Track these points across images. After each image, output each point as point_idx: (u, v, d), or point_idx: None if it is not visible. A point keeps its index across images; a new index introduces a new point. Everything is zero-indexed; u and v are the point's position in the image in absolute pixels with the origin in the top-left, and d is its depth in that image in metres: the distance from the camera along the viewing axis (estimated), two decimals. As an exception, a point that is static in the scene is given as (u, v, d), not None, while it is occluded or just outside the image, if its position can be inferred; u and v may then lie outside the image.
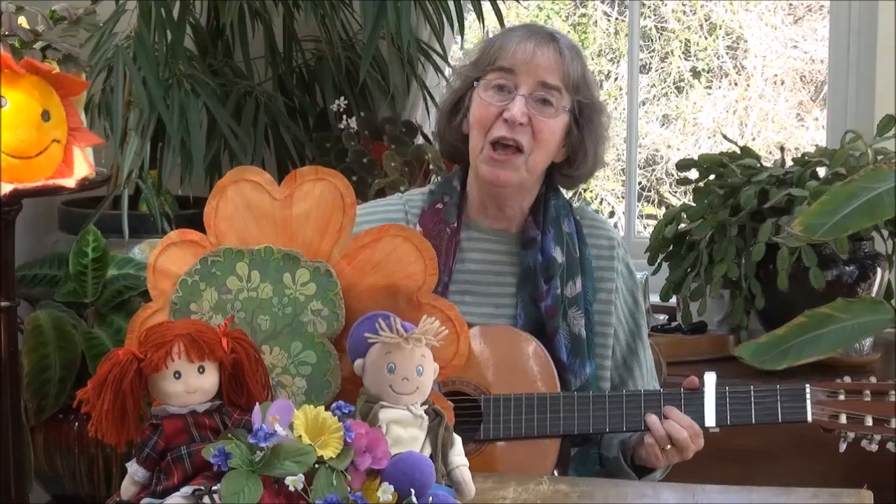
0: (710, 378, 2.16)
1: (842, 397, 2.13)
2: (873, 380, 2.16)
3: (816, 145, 3.72)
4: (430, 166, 3.25)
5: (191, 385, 1.65)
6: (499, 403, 2.14)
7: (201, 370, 1.66)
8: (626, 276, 2.31)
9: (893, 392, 2.12)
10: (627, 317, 2.30)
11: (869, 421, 2.11)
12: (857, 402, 2.12)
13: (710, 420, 2.14)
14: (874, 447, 2.12)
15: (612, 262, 2.29)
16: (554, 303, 2.22)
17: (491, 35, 2.44)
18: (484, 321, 2.21)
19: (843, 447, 2.13)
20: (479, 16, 3.34)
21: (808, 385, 2.14)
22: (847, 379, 2.16)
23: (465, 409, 2.09)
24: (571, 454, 2.22)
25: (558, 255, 2.24)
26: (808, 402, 2.12)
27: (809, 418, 2.13)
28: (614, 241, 2.31)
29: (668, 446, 2.12)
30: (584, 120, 2.25)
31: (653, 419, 2.13)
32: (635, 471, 2.22)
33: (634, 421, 2.14)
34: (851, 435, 2.12)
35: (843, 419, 2.12)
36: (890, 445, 2.11)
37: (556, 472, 2.15)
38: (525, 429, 2.13)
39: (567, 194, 2.35)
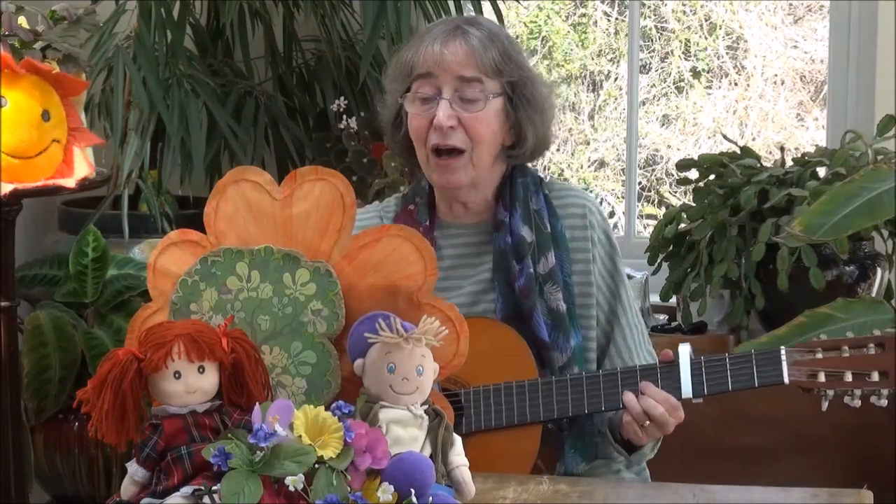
0: (685, 349, 2.14)
1: (819, 355, 2.09)
2: (850, 335, 2.13)
3: (816, 145, 3.72)
4: (430, 166, 3.25)
5: (191, 385, 1.65)
6: (479, 395, 2.15)
7: (201, 370, 1.66)
8: (602, 241, 2.29)
9: (872, 344, 2.09)
10: (607, 280, 2.29)
11: (848, 376, 2.07)
12: (834, 358, 2.08)
13: (686, 391, 2.12)
14: (857, 402, 2.08)
15: (585, 231, 2.27)
16: (527, 282, 2.21)
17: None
18: (463, 312, 2.21)
19: (824, 405, 2.09)
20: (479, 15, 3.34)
21: (782, 346, 2.11)
22: (823, 336, 2.14)
23: None
24: (565, 436, 2.21)
25: (527, 233, 2.23)
26: (784, 363, 2.09)
27: (786, 379, 2.09)
28: (586, 208, 2.29)
29: (647, 423, 2.12)
30: (519, 97, 2.23)
31: (629, 397, 2.12)
32: (625, 447, 2.21)
33: (613, 400, 2.14)
34: (831, 393, 2.08)
35: (821, 377, 2.08)
36: (873, 399, 2.08)
37: (540, 462, 2.15)
38: (506, 418, 2.14)
39: (538, 169, 2.33)
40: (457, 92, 2.20)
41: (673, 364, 2.14)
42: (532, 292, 2.21)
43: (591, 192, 5.00)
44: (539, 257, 2.24)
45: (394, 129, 2.31)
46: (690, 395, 2.12)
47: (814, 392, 2.09)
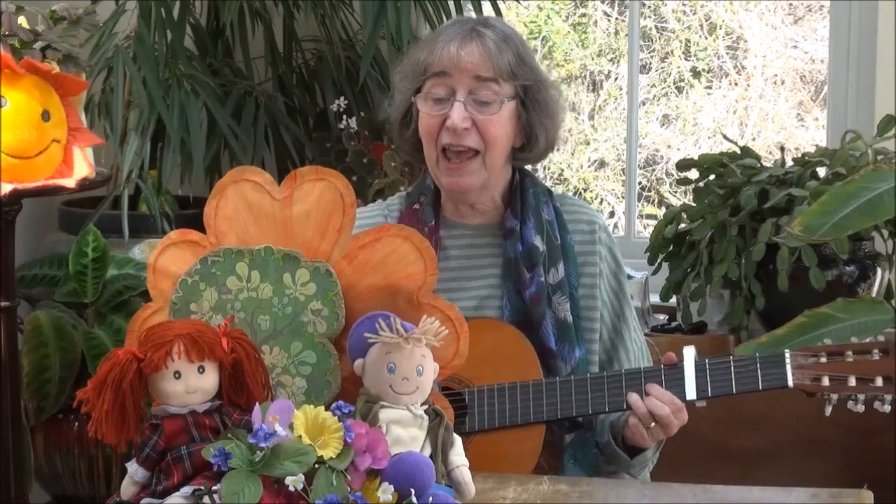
0: (689, 351, 2.15)
1: (823, 359, 2.09)
2: (854, 339, 2.13)
3: (816, 145, 3.72)
4: (430, 166, 3.25)
5: (191, 385, 1.65)
6: (483, 394, 2.15)
7: (201, 370, 1.66)
8: (608, 259, 2.31)
9: (876, 350, 2.08)
10: (612, 298, 2.30)
11: (852, 381, 2.07)
12: (838, 363, 2.08)
13: (690, 393, 2.13)
14: (860, 408, 2.07)
15: (594, 245, 2.29)
16: (538, 290, 2.22)
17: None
18: (470, 314, 2.21)
19: (828, 410, 2.08)
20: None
21: (787, 350, 2.12)
22: (828, 342, 2.14)
23: (450, 403, 2.09)
24: (567, 441, 2.22)
25: (539, 242, 2.24)
26: (789, 366, 2.09)
27: (790, 383, 2.09)
28: (595, 224, 2.31)
29: (652, 424, 2.12)
30: (531, 101, 2.24)
31: (634, 398, 2.12)
32: (627, 451, 2.21)
33: (617, 401, 2.14)
34: (835, 397, 2.07)
35: (825, 382, 2.07)
36: (877, 404, 2.08)
37: (543, 462, 2.15)
38: (509, 417, 2.14)
39: (547, 182, 2.35)
40: (471, 94, 2.20)
41: (677, 366, 2.14)
42: (542, 300, 2.22)
43: (591, 192, 5.00)
44: (549, 267, 2.24)
45: (402, 127, 2.30)
46: (694, 397, 2.12)
47: (817, 396, 2.09)
